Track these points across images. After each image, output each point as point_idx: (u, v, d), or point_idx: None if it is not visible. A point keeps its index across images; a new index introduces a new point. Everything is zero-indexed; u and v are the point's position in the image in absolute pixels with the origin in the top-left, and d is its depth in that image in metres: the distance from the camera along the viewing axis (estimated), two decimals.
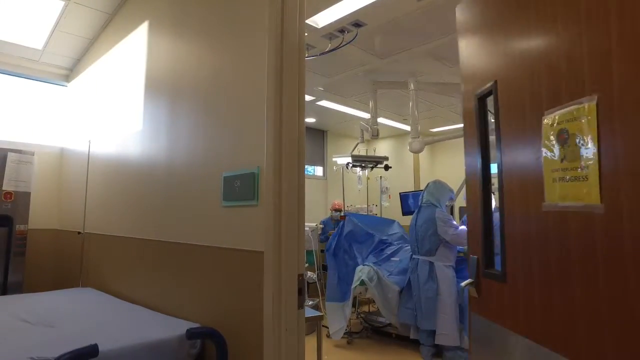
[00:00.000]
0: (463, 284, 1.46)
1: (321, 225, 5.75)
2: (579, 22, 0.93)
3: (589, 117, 0.89)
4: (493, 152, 1.37)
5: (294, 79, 1.83)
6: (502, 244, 1.24)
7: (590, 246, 0.89)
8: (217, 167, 2.10)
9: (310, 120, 7.03)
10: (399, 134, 7.90)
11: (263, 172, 1.78)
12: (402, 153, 7.73)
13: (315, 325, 2.84)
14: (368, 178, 6.04)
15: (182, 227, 2.34)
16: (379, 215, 6.42)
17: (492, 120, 1.36)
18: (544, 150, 1.03)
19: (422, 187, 4.60)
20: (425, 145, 4.86)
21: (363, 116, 6.08)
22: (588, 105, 0.89)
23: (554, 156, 0.99)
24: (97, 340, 1.59)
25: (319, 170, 7.98)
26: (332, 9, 3.22)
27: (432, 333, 3.61)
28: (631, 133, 0.80)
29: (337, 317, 4.21)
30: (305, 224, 1.88)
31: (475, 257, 1.43)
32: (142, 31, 3.03)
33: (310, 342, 2.40)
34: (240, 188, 1.90)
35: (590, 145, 0.89)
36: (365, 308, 4.98)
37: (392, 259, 4.31)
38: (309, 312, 2.64)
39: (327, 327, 4.15)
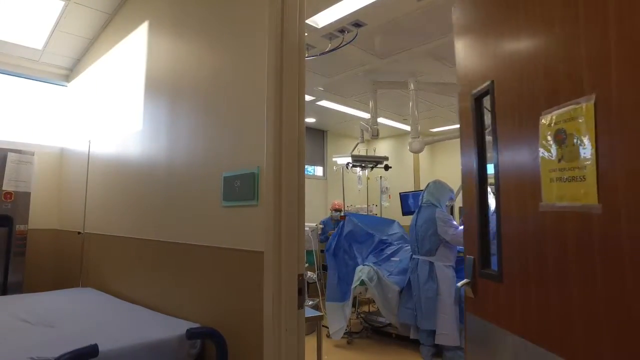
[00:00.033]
0: (459, 284, 1.45)
1: (321, 225, 5.75)
2: (577, 22, 0.93)
3: (587, 117, 0.89)
4: (489, 152, 1.36)
5: (294, 79, 1.83)
6: (498, 244, 1.24)
7: (588, 246, 0.89)
8: (217, 167, 2.10)
9: (310, 120, 7.03)
10: (399, 134, 7.90)
11: (263, 172, 1.78)
12: (402, 153, 7.73)
13: (315, 325, 2.84)
14: (368, 178, 6.04)
15: (182, 227, 2.34)
16: (379, 215, 6.42)
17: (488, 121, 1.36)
18: (541, 150, 1.03)
19: (422, 187, 4.60)
20: (425, 145, 4.86)
21: (363, 116, 6.08)
22: (586, 105, 0.89)
23: (551, 156, 0.99)
24: (97, 340, 1.59)
25: (319, 170, 7.98)
26: (332, 9, 3.22)
27: (432, 333, 3.61)
28: (629, 133, 0.80)
29: (337, 317, 4.21)
30: (305, 224, 1.88)
31: (472, 257, 1.42)
32: (142, 31, 3.03)
33: (310, 342, 2.40)
34: (240, 188, 1.90)
35: (588, 145, 0.89)
36: (365, 308, 4.98)
37: (392, 259, 4.32)
38: (309, 312, 2.64)
39: (327, 327, 4.15)
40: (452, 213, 4.14)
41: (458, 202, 4.55)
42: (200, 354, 1.97)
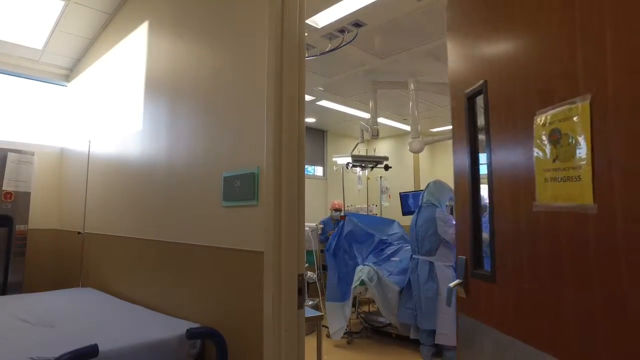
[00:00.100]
0: (451, 284, 1.44)
1: (321, 225, 5.75)
2: (573, 21, 0.93)
3: (582, 117, 0.88)
4: (482, 152, 1.36)
5: (294, 79, 1.83)
6: (491, 245, 1.23)
7: (583, 246, 0.88)
8: (217, 167, 2.10)
9: (310, 120, 7.03)
10: (399, 134, 7.90)
11: (263, 172, 1.78)
12: (402, 153, 7.73)
13: (315, 325, 2.84)
14: (368, 178, 6.04)
15: (182, 227, 2.34)
16: (379, 215, 6.42)
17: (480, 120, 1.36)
18: (535, 150, 1.03)
19: (422, 187, 4.60)
20: (425, 145, 4.86)
21: (363, 116, 6.08)
22: (581, 105, 0.89)
23: (546, 156, 0.99)
24: (97, 340, 1.59)
25: (319, 170, 7.98)
26: (332, 9, 3.22)
27: (432, 333, 3.62)
28: (625, 132, 0.80)
29: (337, 317, 4.21)
30: (305, 224, 1.88)
31: (464, 257, 1.42)
32: (142, 31, 3.03)
33: (310, 342, 2.40)
34: (240, 188, 1.90)
35: (583, 145, 0.88)
36: (365, 308, 4.99)
37: (392, 258, 4.32)
38: (309, 312, 2.64)
39: (327, 327, 4.15)
40: (452, 213, 4.13)
41: None
42: (200, 354, 1.97)
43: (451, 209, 4.12)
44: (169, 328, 1.96)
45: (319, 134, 7.96)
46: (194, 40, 2.43)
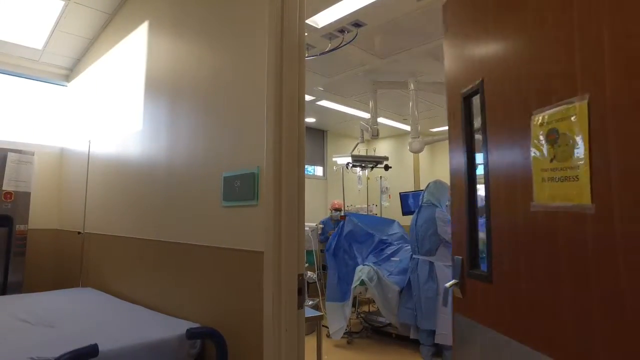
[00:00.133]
0: (447, 284, 1.44)
1: (321, 225, 5.75)
2: (571, 21, 0.93)
3: (580, 117, 0.88)
4: (478, 152, 1.35)
5: (294, 79, 1.83)
6: (488, 245, 1.23)
7: (581, 246, 0.88)
8: (217, 167, 2.10)
9: (310, 120, 7.03)
10: (399, 134, 7.90)
11: (263, 172, 1.78)
12: (402, 153, 7.73)
13: (315, 325, 2.84)
14: (368, 178, 6.04)
15: (182, 227, 2.34)
16: (379, 215, 6.42)
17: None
18: (532, 150, 1.02)
19: (422, 187, 4.60)
20: (425, 145, 4.86)
21: (363, 116, 6.08)
22: (579, 105, 0.89)
23: (543, 156, 0.99)
24: (97, 340, 1.59)
25: (319, 170, 7.98)
26: (332, 9, 3.22)
27: (432, 333, 3.62)
28: (623, 132, 0.80)
29: (337, 317, 4.21)
30: (305, 224, 1.88)
31: (460, 257, 1.41)
32: (142, 31, 3.03)
33: (310, 342, 2.40)
34: (240, 188, 1.90)
35: (581, 145, 0.88)
36: (365, 308, 4.98)
37: (392, 258, 4.32)
38: (309, 312, 2.64)
39: (327, 327, 4.15)
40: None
41: None
42: (200, 353, 1.97)
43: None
44: (169, 328, 1.96)
45: (319, 134, 7.96)
46: (194, 40, 2.43)
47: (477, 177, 1.38)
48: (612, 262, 0.81)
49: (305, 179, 1.86)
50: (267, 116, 1.78)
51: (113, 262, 3.15)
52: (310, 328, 2.99)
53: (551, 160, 0.96)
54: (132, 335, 1.85)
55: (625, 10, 0.80)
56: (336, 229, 4.65)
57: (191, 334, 1.85)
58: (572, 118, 0.90)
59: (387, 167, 5.33)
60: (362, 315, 4.80)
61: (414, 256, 3.88)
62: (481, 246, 1.34)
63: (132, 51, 3.15)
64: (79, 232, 3.59)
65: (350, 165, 5.05)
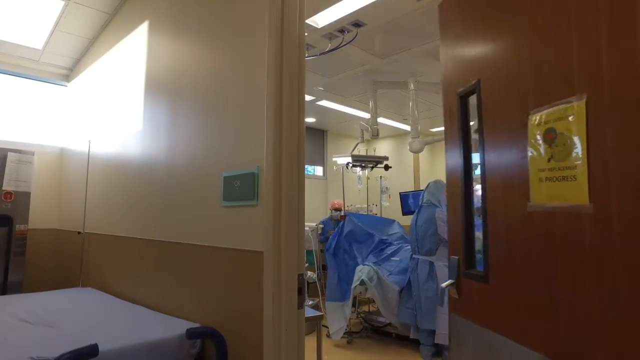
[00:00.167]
0: (444, 284, 1.43)
1: (321, 225, 5.75)
2: (568, 20, 0.92)
3: (578, 116, 0.88)
4: (475, 152, 1.35)
5: (294, 78, 1.83)
6: (484, 245, 1.23)
7: (578, 246, 0.88)
8: (217, 167, 2.10)
9: (310, 120, 7.03)
10: (399, 134, 7.90)
11: (263, 172, 1.78)
12: (402, 153, 7.73)
13: (315, 325, 2.84)
14: (368, 178, 6.04)
15: (182, 227, 2.34)
16: (379, 215, 6.42)
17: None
18: (529, 149, 1.02)
19: (422, 187, 4.60)
20: (425, 145, 4.86)
21: (363, 116, 6.08)
22: (577, 105, 0.88)
23: (541, 156, 0.98)
24: (97, 340, 1.59)
25: (319, 170, 7.98)
26: (332, 9, 3.22)
27: (432, 333, 3.62)
28: (622, 132, 0.79)
29: (337, 317, 4.21)
30: (305, 224, 1.88)
31: (456, 257, 1.41)
32: (142, 31, 3.03)
33: (310, 342, 2.40)
34: (240, 188, 1.90)
35: (578, 144, 0.88)
36: (365, 308, 4.99)
37: (392, 258, 4.32)
38: (309, 312, 2.64)
39: (327, 327, 4.15)
40: None
41: None
42: (200, 353, 1.97)
43: None
44: (169, 328, 1.96)
45: (319, 134, 7.96)
46: (194, 40, 2.43)
47: (474, 177, 1.38)
48: (609, 262, 0.81)
49: (305, 179, 1.86)
50: (267, 116, 1.78)
51: (113, 262, 3.15)
52: (310, 328, 2.99)
53: (548, 160, 0.96)
54: (132, 335, 1.85)
55: (623, 9, 0.80)
56: (336, 229, 4.66)
57: (191, 334, 1.85)
58: (570, 118, 0.90)
59: (387, 167, 5.33)
60: (362, 315, 4.80)
61: (414, 256, 3.88)
62: (477, 246, 1.33)
63: (132, 51, 3.15)
64: (79, 232, 3.59)
65: (350, 165, 5.06)
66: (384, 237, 4.63)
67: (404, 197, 5.54)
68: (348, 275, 4.30)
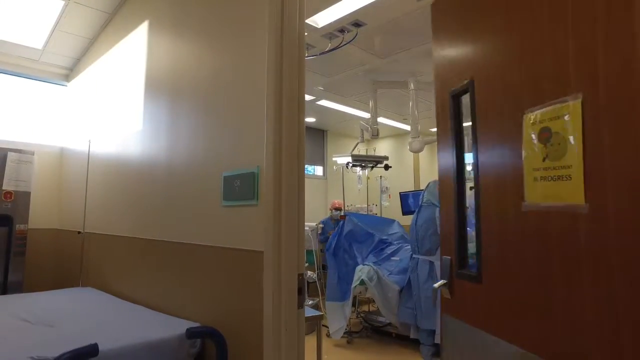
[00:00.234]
0: (436, 285, 1.42)
1: (321, 225, 5.75)
2: (565, 19, 0.92)
3: (574, 115, 0.87)
4: (468, 151, 1.34)
5: (294, 78, 1.83)
6: (478, 245, 1.22)
7: (574, 246, 0.88)
8: (217, 166, 2.10)
9: (310, 120, 7.03)
10: (399, 134, 7.90)
11: (263, 171, 1.78)
12: (402, 153, 7.73)
13: (315, 325, 2.84)
14: (368, 178, 6.04)
15: (182, 227, 2.34)
16: (379, 215, 6.42)
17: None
18: (524, 149, 1.01)
19: (422, 186, 4.60)
20: (425, 145, 4.86)
21: (363, 116, 6.08)
22: (573, 104, 0.88)
23: (535, 155, 0.98)
24: (97, 339, 1.59)
25: (319, 170, 7.98)
26: (332, 8, 3.22)
27: (432, 332, 3.61)
28: (617, 131, 0.79)
29: (337, 317, 4.21)
30: (305, 223, 1.88)
31: (449, 257, 1.40)
32: (142, 31, 3.03)
33: (310, 342, 2.40)
34: (240, 188, 1.90)
35: (574, 144, 0.87)
36: (365, 307, 4.99)
37: (392, 258, 4.32)
38: (309, 312, 2.64)
39: (327, 327, 4.15)
40: None
41: None
42: (200, 353, 1.97)
43: None
44: (169, 327, 1.96)
45: (319, 134, 7.96)
46: (194, 40, 2.43)
47: (466, 176, 1.37)
48: (605, 262, 0.80)
49: (305, 179, 1.86)
50: (267, 116, 1.78)
51: (113, 261, 3.15)
52: (310, 327, 2.99)
53: (543, 160, 0.95)
54: (132, 335, 1.85)
55: (619, 8, 0.80)
56: (336, 229, 4.66)
57: (191, 334, 1.85)
58: (566, 117, 0.89)
59: (387, 167, 5.33)
60: (362, 314, 4.80)
61: (414, 256, 3.87)
62: (470, 246, 1.33)
63: (132, 51, 3.15)
64: (79, 232, 3.59)
65: (350, 165, 5.06)
66: (384, 237, 4.63)
67: (404, 197, 5.54)
68: (348, 275, 4.30)
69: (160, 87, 2.73)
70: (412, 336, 3.89)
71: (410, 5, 3.10)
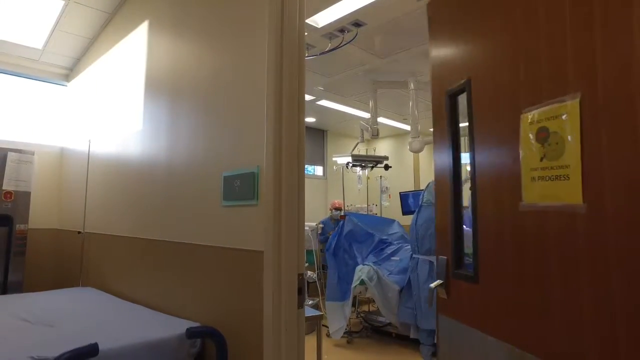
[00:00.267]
0: (432, 285, 1.41)
1: (321, 225, 5.75)
2: (563, 18, 0.92)
3: (572, 115, 0.87)
4: (464, 151, 1.34)
5: (294, 78, 1.83)
6: (474, 245, 1.21)
7: (571, 245, 0.87)
8: (217, 166, 2.10)
9: (310, 119, 7.03)
10: (399, 134, 7.90)
11: (263, 171, 1.78)
12: (402, 153, 7.73)
13: (315, 325, 2.84)
14: (368, 178, 6.04)
15: (182, 227, 2.34)
16: (379, 214, 6.42)
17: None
18: (522, 149, 1.01)
19: (422, 186, 4.61)
20: (425, 145, 4.86)
21: (363, 116, 6.08)
22: (571, 103, 0.88)
23: (533, 155, 0.97)
24: (97, 339, 1.59)
25: (319, 170, 7.98)
26: (332, 8, 3.22)
27: (432, 332, 3.61)
28: (616, 131, 0.79)
29: (337, 317, 4.21)
30: (305, 223, 1.88)
31: (445, 257, 1.40)
32: (142, 31, 3.03)
33: (310, 342, 2.40)
34: (240, 188, 1.90)
35: (572, 143, 0.87)
36: (365, 307, 4.98)
37: (392, 258, 4.32)
38: (309, 312, 2.64)
39: (327, 327, 4.15)
40: None
41: None
42: (200, 353, 1.97)
43: None
44: (169, 327, 1.96)
45: (319, 134, 7.96)
46: (194, 40, 2.43)
47: (463, 176, 1.37)
48: (603, 262, 0.80)
49: (305, 179, 1.86)
50: (267, 116, 1.78)
51: (113, 261, 3.15)
52: (310, 327, 2.99)
53: (541, 159, 0.95)
54: (132, 335, 1.85)
55: (618, 7, 0.80)
56: (336, 229, 4.66)
57: (191, 333, 1.85)
58: (564, 116, 0.89)
59: (387, 167, 5.33)
60: (362, 314, 4.80)
61: (414, 256, 3.87)
62: (467, 246, 1.32)
63: (132, 51, 3.15)
64: (79, 232, 3.59)
65: (350, 164, 5.05)
66: (384, 237, 4.63)
67: (404, 196, 5.54)
68: (348, 274, 4.30)
69: (160, 87, 2.73)
70: (412, 336, 3.89)
71: (410, 5, 3.10)
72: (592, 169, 0.83)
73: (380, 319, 4.44)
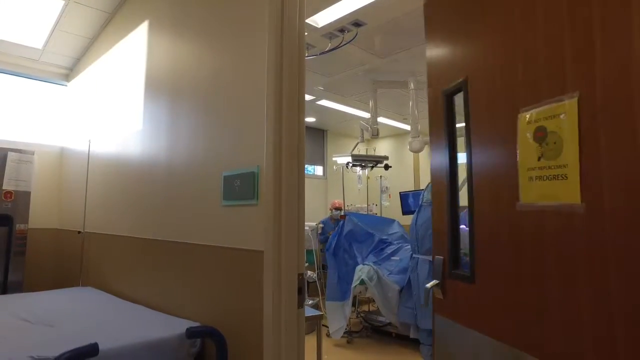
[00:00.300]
0: (428, 285, 1.41)
1: (321, 225, 5.75)
2: (560, 17, 0.91)
3: (570, 114, 0.87)
4: (461, 151, 1.34)
5: (294, 78, 1.83)
6: (471, 245, 1.21)
7: (569, 245, 0.87)
8: (217, 166, 2.10)
9: (310, 119, 7.03)
10: (399, 134, 7.90)
11: (263, 171, 1.79)
12: (402, 152, 7.73)
13: (315, 325, 2.84)
14: (368, 177, 6.04)
15: (182, 227, 2.34)
16: (379, 214, 6.42)
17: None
18: (519, 148, 1.01)
19: (422, 186, 4.61)
20: (425, 145, 4.85)
21: (363, 115, 6.08)
22: (569, 103, 0.87)
23: (531, 154, 0.97)
24: (97, 339, 1.59)
25: (319, 170, 7.99)
26: (332, 8, 3.22)
27: (432, 332, 3.61)
28: (614, 131, 0.79)
29: (337, 317, 4.21)
30: (305, 223, 1.88)
31: (441, 257, 1.39)
32: (142, 31, 3.03)
33: (310, 342, 2.40)
34: (240, 187, 1.90)
35: (570, 143, 0.87)
36: (365, 307, 4.99)
37: (392, 258, 4.32)
38: (309, 312, 2.64)
39: (327, 327, 4.15)
40: None
41: None
42: (200, 352, 1.97)
43: None
44: (169, 327, 1.96)
45: (319, 134, 7.96)
46: (194, 40, 2.43)
47: (459, 175, 1.36)
48: (601, 262, 0.80)
49: (305, 179, 1.86)
50: (267, 116, 1.78)
51: (113, 261, 3.15)
52: (310, 327, 2.99)
53: (538, 159, 0.95)
54: (132, 334, 1.85)
55: (617, 6, 0.80)
56: (336, 229, 4.66)
57: (191, 333, 1.85)
58: (562, 116, 0.89)
59: (387, 167, 5.33)
60: (362, 314, 4.80)
61: (414, 255, 3.87)
62: (463, 246, 1.32)
63: (132, 51, 3.16)
64: (79, 232, 3.59)
65: (350, 164, 5.06)
66: (384, 237, 4.63)
67: (404, 196, 5.54)
68: (348, 274, 4.30)
69: (160, 87, 2.73)
70: (412, 336, 3.89)
71: (410, 5, 3.11)
72: (590, 168, 0.83)
73: (380, 318, 4.45)
